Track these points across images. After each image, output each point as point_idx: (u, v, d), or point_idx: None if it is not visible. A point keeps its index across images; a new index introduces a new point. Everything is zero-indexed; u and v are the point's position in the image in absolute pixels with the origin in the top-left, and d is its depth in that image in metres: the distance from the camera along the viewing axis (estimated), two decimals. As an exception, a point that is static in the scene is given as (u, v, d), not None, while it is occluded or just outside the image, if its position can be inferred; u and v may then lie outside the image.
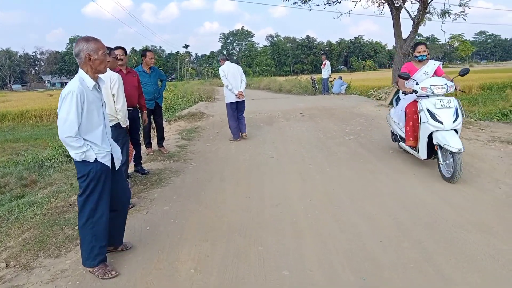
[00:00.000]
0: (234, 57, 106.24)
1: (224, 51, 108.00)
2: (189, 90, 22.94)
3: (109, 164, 2.85)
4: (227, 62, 7.50)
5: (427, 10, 13.96)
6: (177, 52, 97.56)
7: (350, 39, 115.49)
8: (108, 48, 5.17)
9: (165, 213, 4.11)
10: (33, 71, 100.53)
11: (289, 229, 3.58)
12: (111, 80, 4.26)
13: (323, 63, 17.31)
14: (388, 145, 6.49)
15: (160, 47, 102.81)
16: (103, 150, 2.79)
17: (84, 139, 2.70)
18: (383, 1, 16.15)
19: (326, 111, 9.92)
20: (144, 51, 6.38)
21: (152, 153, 6.57)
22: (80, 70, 2.76)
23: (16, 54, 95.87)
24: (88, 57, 2.70)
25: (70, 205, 4.55)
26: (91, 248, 2.86)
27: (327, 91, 17.56)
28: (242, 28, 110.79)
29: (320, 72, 18.50)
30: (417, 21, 13.49)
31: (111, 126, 4.15)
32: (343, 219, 3.74)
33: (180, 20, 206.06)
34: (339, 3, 15.79)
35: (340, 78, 17.70)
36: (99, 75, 2.86)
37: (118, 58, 5.16)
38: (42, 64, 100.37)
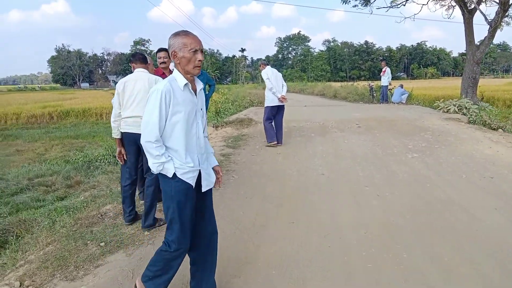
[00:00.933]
0: (289, 62, 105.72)
1: (280, 56, 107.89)
2: (240, 94, 22.74)
3: (191, 182, 2.30)
4: (268, 67, 7.45)
5: (507, 13, 12.48)
6: (233, 56, 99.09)
7: (412, 45, 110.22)
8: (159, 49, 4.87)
9: (197, 235, 3.65)
10: (100, 71, 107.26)
11: (338, 271, 2.95)
12: (149, 82, 3.79)
13: (383, 69, 16.21)
14: (461, 169, 5.57)
15: (218, 50, 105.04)
16: (186, 165, 2.27)
17: (166, 146, 2.28)
18: (453, 4, 14.80)
19: (386, 123, 9.01)
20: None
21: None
22: (175, 69, 2.33)
23: (86, 54, 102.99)
24: (174, 55, 2.26)
25: (101, 216, 4.26)
26: (156, 275, 2.38)
27: (386, 99, 16.41)
28: (298, 33, 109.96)
29: (378, 79, 17.39)
30: (495, 25, 12.08)
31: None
32: (406, 263, 3.04)
33: (238, 24, 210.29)
34: (404, 5, 14.68)
35: (401, 86, 16.45)
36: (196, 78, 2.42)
37: (161, 61, 4.86)
38: (109, 64, 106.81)
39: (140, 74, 3.81)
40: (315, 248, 3.34)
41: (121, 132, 3.86)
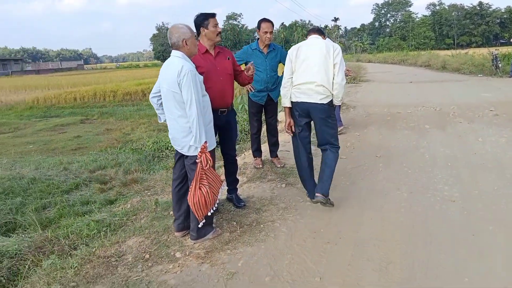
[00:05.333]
0: (387, 30, 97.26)
1: (376, 23, 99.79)
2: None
3: None
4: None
5: None
6: (326, 26, 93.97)
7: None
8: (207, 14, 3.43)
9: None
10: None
11: None
12: (334, 48, 3.44)
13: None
14: None
15: (309, 21, 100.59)
16: None
17: None
18: None
19: (537, 109, 6.37)
20: (259, 22, 4.42)
21: (261, 166, 4.69)
22: None
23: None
24: None
25: (119, 257, 3.01)
26: None
27: (520, 72, 12.87)
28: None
29: (494, 45, 13.73)
30: None
31: (323, 104, 3.37)
32: None
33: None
34: None
35: (542, 54, 12.67)
36: None
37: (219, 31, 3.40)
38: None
39: (314, 40, 3.57)
40: None
41: (291, 101, 3.55)
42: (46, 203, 5.67)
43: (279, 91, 4.67)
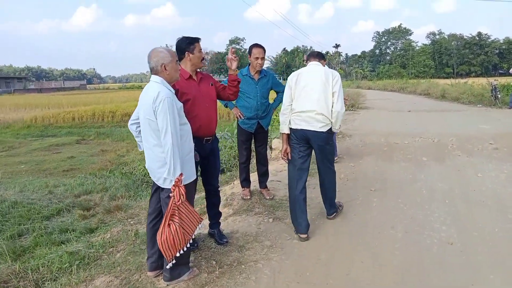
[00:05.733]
0: (387, 57, 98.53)
1: (377, 51, 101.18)
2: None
3: None
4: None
5: None
6: (327, 52, 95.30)
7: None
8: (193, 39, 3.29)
9: None
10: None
11: None
12: (333, 75, 3.47)
13: (516, 64, 12.63)
14: None
15: (311, 47, 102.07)
16: None
17: None
18: None
19: (537, 142, 6.18)
20: (251, 47, 4.28)
21: (249, 197, 4.45)
22: None
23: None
24: None
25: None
26: None
27: (519, 103, 12.78)
28: (399, 26, 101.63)
29: (493, 75, 13.68)
30: None
31: (323, 132, 3.42)
32: None
33: (334, 20, 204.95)
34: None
35: (542, 85, 12.60)
36: None
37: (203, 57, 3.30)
38: (206, 63, 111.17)
39: (314, 67, 3.58)
40: None
41: (290, 128, 3.57)
42: (23, 229, 5.41)
43: (270, 118, 4.50)
